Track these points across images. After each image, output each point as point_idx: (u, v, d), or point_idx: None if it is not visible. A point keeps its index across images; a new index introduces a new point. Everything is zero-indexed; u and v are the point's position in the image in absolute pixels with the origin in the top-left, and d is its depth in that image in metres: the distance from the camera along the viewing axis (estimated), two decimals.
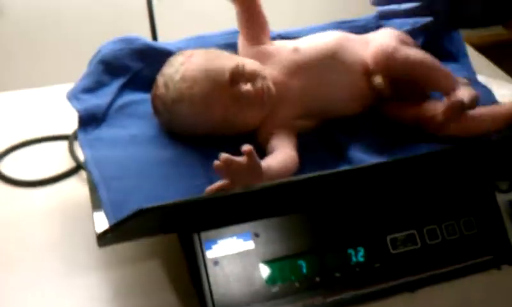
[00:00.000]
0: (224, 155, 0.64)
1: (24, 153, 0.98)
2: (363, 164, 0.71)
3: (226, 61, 0.77)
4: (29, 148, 0.98)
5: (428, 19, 0.90)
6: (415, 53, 0.82)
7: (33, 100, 1.09)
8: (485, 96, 0.84)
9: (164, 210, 0.59)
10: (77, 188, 0.90)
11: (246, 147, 0.65)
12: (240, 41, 0.85)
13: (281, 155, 0.74)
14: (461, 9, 0.87)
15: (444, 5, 0.88)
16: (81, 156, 0.93)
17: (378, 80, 0.81)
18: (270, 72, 0.79)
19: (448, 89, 0.79)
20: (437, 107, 0.79)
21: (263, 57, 0.81)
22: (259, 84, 0.76)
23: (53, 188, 0.90)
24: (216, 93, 0.75)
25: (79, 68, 0.90)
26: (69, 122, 0.99)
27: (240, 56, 0.82)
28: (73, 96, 0.79)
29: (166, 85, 0.77)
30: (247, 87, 0.75)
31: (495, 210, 0.77)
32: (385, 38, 0.83)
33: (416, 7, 0.90)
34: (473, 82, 0.86)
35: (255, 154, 0.66)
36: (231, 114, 0.76)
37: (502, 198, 0.80)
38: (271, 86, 0.78)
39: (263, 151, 0.77)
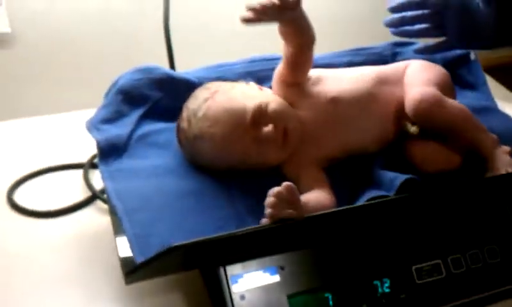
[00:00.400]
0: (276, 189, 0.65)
1: (37, 182, 0.97)
2: (388, 197, 0.70)
3: (250, 101, 0.76)
4: (42, 177, 0.97)
5: (440, 39, 0.90)
6: (457, 108, 0.80)
7: (46, 127, 1.08)
8: (507, 124, 0.84)
9: (193, 247, 0.59)
10: (94, 218, 0.89)
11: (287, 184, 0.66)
12: (278, 76, 0.82)
13: (318, 193, 0.73)
14: (472, 29, 0.87)
15: (455, 24, 0.88)
16: (97, 185, 0.93)
17: (413, 128, 0.80)
18: (303, 114, 0.78)
19: (486, 151, 0.79)
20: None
21: (298, 98, 0.80)
22: (282, 125, 0.75)
23: (69, 218, 0.89)
24: (237, 134, 0.74)
25: (93, 95, 0.90)
26: (83, 150, 0.99)
27: (274, 91, 0.81)
28: (92, 127, 0.78)
29: (189, 120, 0.76)
30: (268, 129, 0.74)
31: None
32: (424, 84, 0.81)
33: (428, 28, 0.90)
34: (493, 111, 0.86)
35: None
36: (251, 154, 0.75)
37: None
38: (297, 126, 0.77)
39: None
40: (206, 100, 0.76)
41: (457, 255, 0.74)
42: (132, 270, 0.61)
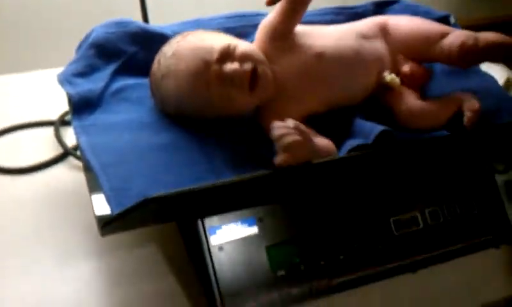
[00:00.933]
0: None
1: (8, 139, 0.94)
2: (367, 148, 0.69)
3: (219, 40, 0.73)
4: (12, 135, 0.95)
5: None
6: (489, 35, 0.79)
7: (17, 85, 1.05)
8: (490, 86, 0.84)
9: (171, 199, 0.58)
10: (66, 175, 0.88)
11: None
12: (266, 26, 0.78)
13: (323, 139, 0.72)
14: None
15: None
16: (68, 143, 0.91)
17: (391, 76, 0.79)
18: (284, 69, 0.76)
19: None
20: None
21: (281, 53, 0.76)
22: (249, 66, 0.72)
23: (41, 175, 0.88)
24: (200, 70, 0.71)
25: (65, 52, 0.87)
26: (54, 108, 0.97)
27: (256, 43, 0.78)
28: (65, 80, 0.75)
29: (158, 61, 0.75)
30: (232, 66, 0.71)
31: (495, 191, 0.77)
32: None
33: None
34: (475, 71, 0.86)
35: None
36: (215, 94, 0.72)
37: (499, 179, 0.81)
38: (267, 72, 0.74)
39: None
40: (178, 41, 0.74)
41: (435, 207, 0.75)
42: (108, 221, 0.59)
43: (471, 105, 0.75)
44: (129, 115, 0.74)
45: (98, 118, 0.73)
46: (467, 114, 0.74)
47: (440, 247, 0.74)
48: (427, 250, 0.73)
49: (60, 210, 0.82)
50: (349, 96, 0.78)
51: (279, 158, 0.64)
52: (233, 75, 0.70)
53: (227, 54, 0.72)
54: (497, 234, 0.76)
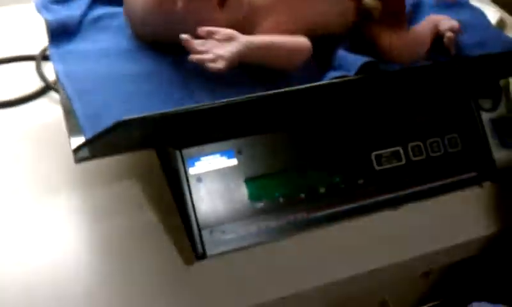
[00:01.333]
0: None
1: None
2: (348, 77, 0.68)
3: None
4: None
5: None
6: None
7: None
8: (478, 20, 0.82)
9: (145, 122, 0.56)
10: (47, 109, 0.86)
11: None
12: None
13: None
14: None
15: None
16: (50, 76, 0.89)
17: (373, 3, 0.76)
18: None
19: None
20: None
21: None
22: None
23: (22, 109, 0.86)
24: None
25: None
26: (35, 42, 0.95)
27: None
28: (42, 6, 0.73)
29: None
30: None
31: (479, 128, 0.76)
32: None
33: None
34: (466, 6, 0.84)
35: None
36: (182, 9, 0.67)
37: (485, 117, 0.80)
38: None
39: None
40: None
41: (418, 143, 0.74)
42: (82, 145, 0.58)
43: (450, 24, 0.73)
44: (107, 44, 0.72)
45: (77, 46, 0.71)
46: (447, 35, 0.72)
47: (421, 183, 0.73)
48: (409, 186, 0.73)
49: (40, 144, 0.80)
50: (327, 23, 0.75)
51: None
52: None
53: None
54: (481, 172, 0.76)
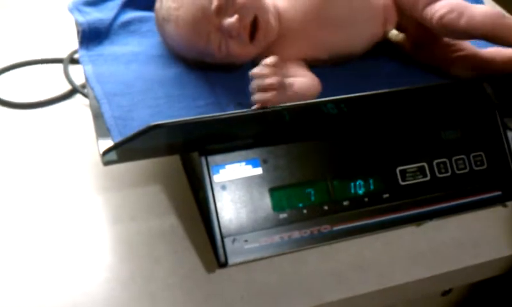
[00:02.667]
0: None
1: (17, 74, 0.94)
2: (376, 91, 0.68)
3: None
4: (20, 70, 0.94)
5: None
6: (482, 16, 0.71)
7: (29, 21, 1.04)
8: None
9: (175, 127, 0.57)
10: (73, 112, 0.87)
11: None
12: None
13: (303, 77, 0.71)
14: None
15: None
16: (77, 79, 0.90)
17: (395, 35, 0.77)
18: (290, 6, 0.73)
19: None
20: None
21: None
22: (250, 17, 0.69)
23: (48, 110, 0.87)
24: (199, 20, 0.69)
25: None
26: (63, 45, 0.96)
27: None
28: (75, 8, 0.74)
29: (161, 2, 0.72)
30: (231, 19, 0.68)
31: (505, 147, 0.75)
32: None
33: None
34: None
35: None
36: (215, 45, 0.70)
37: (511, 136, 0.79)
38: (270, 20, 0.71)
39: None
40: None
41: (443, 159, 0.73)
42: (109, 149, 0.59)
43: None
44: (137, 48, 0.73)
45: (106, 48, 0.72)
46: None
47: (445, 200, 0.73)
48: (433, 202, 0.72)
49: (66, 145, 0.81)
50: (352, 45, 0.76)
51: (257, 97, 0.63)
52: (232, 29, 0.68)
53: (226, 3, 0.68)
54: (505, 191, 0.75)
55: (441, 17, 0.71)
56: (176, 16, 0.70)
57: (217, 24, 0.69)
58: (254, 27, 0.70)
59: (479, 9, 0.71)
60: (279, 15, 0.72)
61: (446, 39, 0.78)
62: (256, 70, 0.63)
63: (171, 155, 0.70)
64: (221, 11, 0.68)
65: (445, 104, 0.74)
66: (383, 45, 0.80)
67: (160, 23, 0.73)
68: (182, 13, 0.69)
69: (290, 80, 0.67)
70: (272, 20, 0.72)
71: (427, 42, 0.78)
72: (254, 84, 0.63)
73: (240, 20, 0.68)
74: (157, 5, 0.73)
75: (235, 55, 0.72)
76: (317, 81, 0.72)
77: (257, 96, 0.62)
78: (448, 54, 0.78)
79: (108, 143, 0.62)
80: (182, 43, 0.72)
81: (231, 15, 0.68)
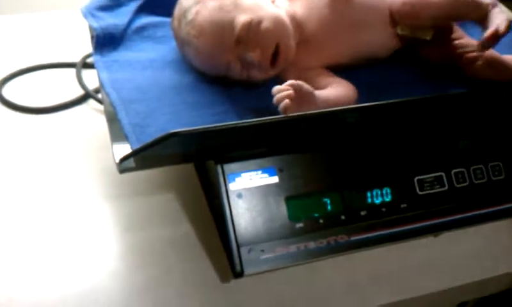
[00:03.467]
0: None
1: (30, 79, 0.93)
2: (394, 100, 0.67)
3: (241, 15, 0.68)
4: (33, 74, 0.94)
5: None
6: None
7: (42, 24, 1.04)
8: None
9: (191, 136, 0.56)
10: (86, 117, 0.87)
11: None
12: None
13: (336, 85, 0.70)
14: None
15: None
16: (89, 84, 0.89)
17: (401, 30, 0.76)
18: (309, 12, 0.72)
19: (480, 18, 0.73)
20: (470, 43, 0.76)
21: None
22: (271, 49, 0.68)
23: (61, 115, 0.87)
24: (220, 50, 0.68)
25: None
26: (76, 49, 0.96)
27: None
28: (88, 13, 0.74)
29: (179, 20, 0.71)
30: (253, 55, 0.67)
31: None
32: None
33: None
34: None
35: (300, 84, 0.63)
36: (236, 72, 0.69)
37: None
38: (291, 46, 0.70)
39: None
40: (197, 2, 0.69)
41: (461, 169, 0.72)
42: (126, 156, 0.58)
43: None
44: (152, 54, 0.72)
45: (121, 54, 0.72)
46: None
47: (463, 211, 0.71)
48: (451, 213, 0.71)
49: (78, 151, 0.81)
50: (374, 49, 0.75)
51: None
52: (254, 64, 0.68)
53: (247, 35, 0.67)
54: None
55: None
56: (197, 43, 0.69)
57: (238, 54, 0.68)
58: (275, 51, 0.69)
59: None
60: (299, 23, 0.72)
61: (460, 41, 0.77)
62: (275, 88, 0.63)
63: (187, 162, 0.69)
64: (243, 42, 0.68)
65: (463, 113, 0.73)
66: (402, 54, 0.79)
67: (180, 43, 0.72)
68: (202, 42, 0.68)
69: (317, 91, 0.67)
70: (293, 42, 0.71)
71: (442, 42, 0.77)
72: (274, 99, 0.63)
73: (262, 53, 0.68)
74: (175, 24, 0.72)
75: (258, 80, 0.71)
76: (352, 89, 0.71)
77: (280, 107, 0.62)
78: (464, 54, 0.77)
79: (123, 149, 0.61)
80: (202, 66, 0.71)
81: (252, 46, 0.67)
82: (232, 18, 0.67)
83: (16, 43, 1.00)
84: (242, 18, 0.67)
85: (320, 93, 0.68)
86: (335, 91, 0.70)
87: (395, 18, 0.75)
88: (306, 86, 0.64)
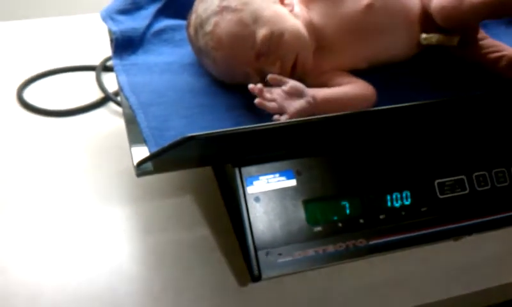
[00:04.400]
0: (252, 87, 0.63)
1: (48, 82, 0.94)
2: (413, 102, 0.66)
3: (261, 29, 0.67)
4: (53, 77, 0.95)
5: None
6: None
7: (63, 28, 1.05)
8: None
9: (209, 139, 0.55)
10: (105, 120, 0.87)
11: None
12: None
13: (352, 85, 0.70)
14: None
15: None
16: (109, 87, 0.90)
17: (425, 40, 0.75)
18: (326, 19, 0.72)
19: None
20: (494, 43, 0.75)
21: (325, 1, 0.72)
22: (291, 61, 0.69)
23: (80, 118, 0.87)
24: (239, 63, 0.68)
25: None
26: (96, 52, 0.96)
27: None
28: (107, 16, 0.74)
29: (195, 29, 0.71)
30: (274, 67, 0.67)
31: None
32: None
33: None
34: None
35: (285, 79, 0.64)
36: (254, 81, 0.69)
37: None
38: (309, 55, 0.70)
39: None
40: (215, 13, 0.68)
41: (483, 172, 0.71)
42: (144, 160, 0.58)
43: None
44: (170, 57, 0.72)
45: (140, 57, 0.72)
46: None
47: (485, 215, 0.70)
48: (472, 216, 0.70)
49: (98, 153, 0.81)
50: (393, 54, 0.74)
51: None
52: (274, 81, 0.67)
53: (268, 49, 0.67)
54: None
55: (442, 9, 0.71)
56: (215, 55, 0.69)
57: (258, 67, 0.68)
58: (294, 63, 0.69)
59: None
60: (316, 31, 0.71)
61: (484, 41, 0.76)
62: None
63: (204, 166, 0.69)
64: (263, 54, 0.68)
65: (484, 115, 0.72)
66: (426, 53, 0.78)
67: (197, 51, 0.72)
68: (221, 55, 0.68)
69: (312, 91, 0.67)
70: (311, 53, 0.71)
71: (466, 45, 0.76)
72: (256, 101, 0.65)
73: (282, 66, 0.68)
74: (191, 31, 0.72)
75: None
76: (370, 89, 0.70)
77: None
78: (489, 54, 0.76)
79: (141, 152, 0.62)
80: (219, 76, 0.71)
81: (273, 60, 0.67)
82: (252, 32, 0.67)
83: (37, 46, 1.01)
84: (262, 32, 0.67)
85: (325, 90, 0.68)
86: (344, 89, 0.69)
87: (431, 18, 0.74)
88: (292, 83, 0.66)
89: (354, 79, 0.72)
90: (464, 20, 0.73)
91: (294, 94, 0.66)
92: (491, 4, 0.70)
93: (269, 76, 0.66)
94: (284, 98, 0.65)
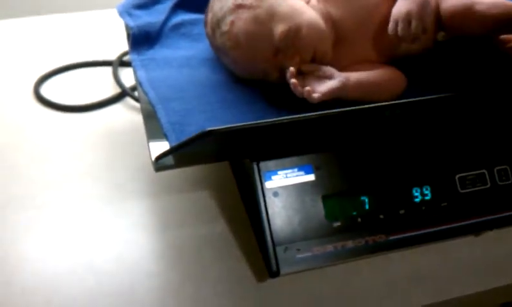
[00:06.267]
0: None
1: (65, 78, 0.94)
2: (434, 96, 0.65)
3: (278, 25, 0.67)
4: (70, 73, 0.95)
5: None
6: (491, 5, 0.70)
7: (79, 24, 1.05)
8: None
9: (230, 133, 0.55)
10: (123, 115, 0.87)
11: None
12: None
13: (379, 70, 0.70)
14: None
15: None
16: (126, 82, 0.90)
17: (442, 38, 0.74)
18: (343, 12, 0.71)
19: None
20: None
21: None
22: (310, 54, 0.68)
23: (98, 114, 0.87)
24: (258, 60, 0.67)
25: None
26: (112, 48, 0.96)
27: None
28: (124, 11, 0.74)
29: (212, 28, 0.70)
30: (292, 63, 0.66)
31: None
32: None
33: None
34: None
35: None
36: (273, 77, 0.69)
37: None
38: (329, 49, 0.69)
39: None
40: (230, 11, 0.68)
41: (504, 166, 0.70)
42: (162, 154, 0.58)
43: None
44: (188, 51, 0.72)
45: (157, 52, 0.72)
46: None
47: (507, 209, 0.69)
48: (493, 211, 0.69)
49: (115, 149, 0.81)
50: (411, 47, 0.73)
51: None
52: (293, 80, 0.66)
53: (286, 45, 0.66)
54: None
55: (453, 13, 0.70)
56: (233, 54, 0.68)
57: (276, 63, 0.67)
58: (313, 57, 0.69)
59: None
60: (334, 23, 0.70)
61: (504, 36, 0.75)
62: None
63: (222, 160, 0.69)
64: (281, 51, 0.67)
65: (506, 109, 0.71)
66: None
67: (215, 49, 0.72)
68: (239, 54, 0.68)
69: (345, 73, 0.67)
70: (330, 46, 0.70)
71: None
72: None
73: (301, 60, 0.67)
74: (208, 31, 0.71)
75: None
76: (400, 74, 0.70)
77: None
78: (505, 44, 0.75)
79: (159, 147, 0.61)
80: (238, 73, 0.71)
81: (291, 55, 0.67)
82: (269, 29, 0.66)
83: (53, 42, 1.01)
84: (280, 29, 0.66)
85: (358, 73, 0.68)
86: (376, 72, 0.69)
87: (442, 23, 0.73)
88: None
89: (383, 65, 0.71)
90: (471, 30, 0.72)
91: (327, 78, 0.66)
92: (499, 19, 0.69)
93: (303, 66, 0.66)
94: (317, 82, 0.65)
